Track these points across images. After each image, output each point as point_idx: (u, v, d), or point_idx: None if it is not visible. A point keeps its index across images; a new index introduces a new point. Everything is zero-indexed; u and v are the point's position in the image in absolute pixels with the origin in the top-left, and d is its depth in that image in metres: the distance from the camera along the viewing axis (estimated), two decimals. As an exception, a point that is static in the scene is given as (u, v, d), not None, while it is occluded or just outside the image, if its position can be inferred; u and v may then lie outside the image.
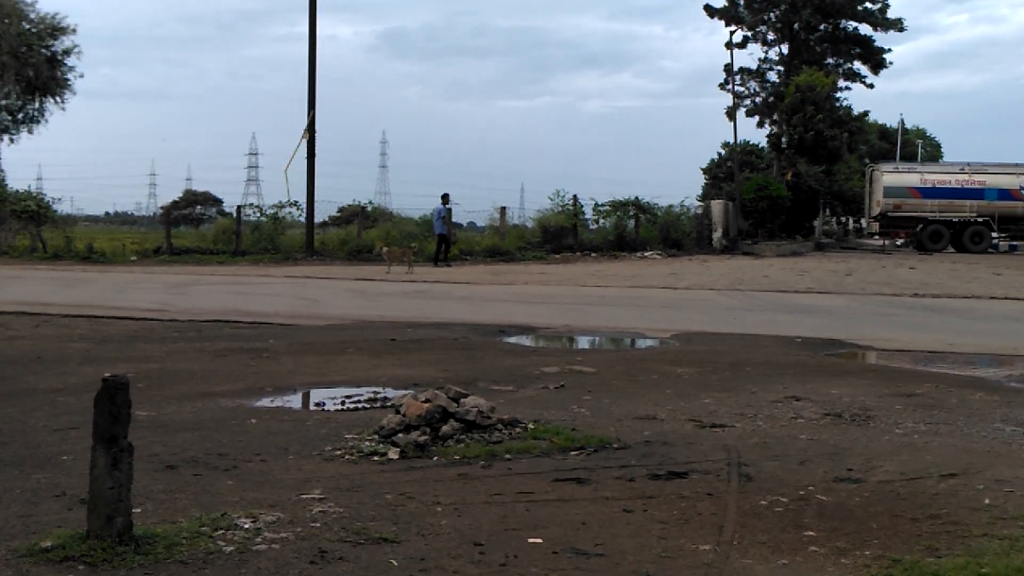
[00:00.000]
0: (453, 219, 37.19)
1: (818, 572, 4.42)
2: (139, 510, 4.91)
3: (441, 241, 31.56)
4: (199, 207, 64.62)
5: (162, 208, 57.04)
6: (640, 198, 39.41)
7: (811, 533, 4.99)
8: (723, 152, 56.30)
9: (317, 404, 8.70)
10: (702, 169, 59.65)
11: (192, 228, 47.46)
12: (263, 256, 32.48)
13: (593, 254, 35.35)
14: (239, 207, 37.13)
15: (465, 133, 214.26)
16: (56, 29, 41.58)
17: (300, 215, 34.90)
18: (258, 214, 36.95)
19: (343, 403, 8.56)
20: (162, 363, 10.59)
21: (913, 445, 7.05)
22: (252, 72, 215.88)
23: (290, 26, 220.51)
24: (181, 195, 69.92)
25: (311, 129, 32.88)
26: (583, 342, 14.25)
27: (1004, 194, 42.07)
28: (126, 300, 18.32)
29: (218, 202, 63.75)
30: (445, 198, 32.68)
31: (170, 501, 5.35)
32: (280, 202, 35.84)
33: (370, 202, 43.25)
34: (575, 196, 37.72)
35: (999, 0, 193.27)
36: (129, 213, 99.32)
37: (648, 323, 15.10)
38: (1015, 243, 44.18)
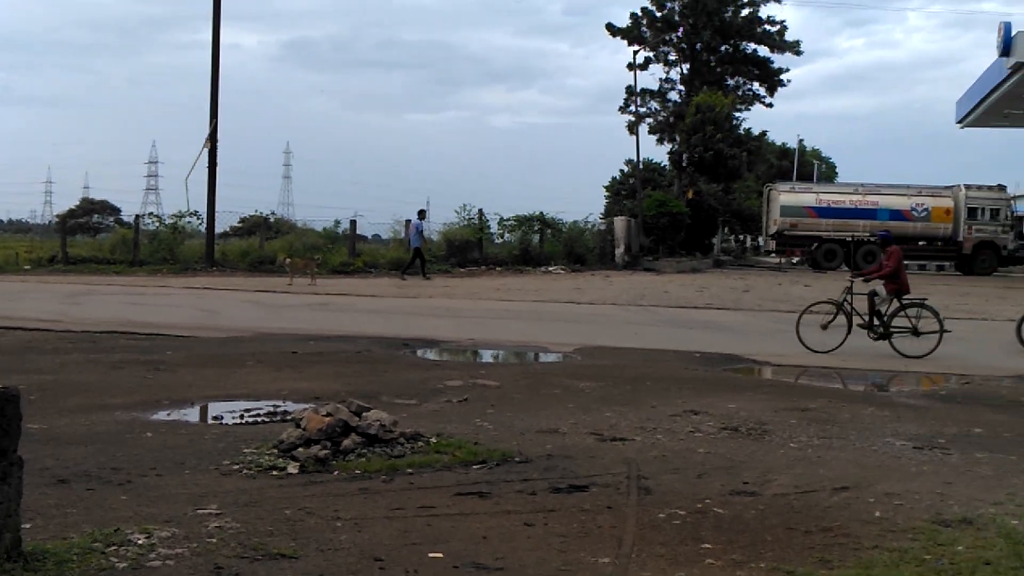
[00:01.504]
0: (358, 232, 36.98)
1: (714, 584, 4.50)
2: (29, 526, 4.76)
3: (416, 255, 31.47)
4: (97, 216, 63.14)
5: (58, 216, 55.56)
6: (545, 213, 39.69)
7: (708, 545, 5.07)
8: (626, 169, 57.01)
9: (215, 418, 8.55)
10: (605, 186, 60.30)
11: (89, 237, 46.24)
12: (162, 266, 31.82)
13: (498, 268, 35.44)
14: (137, 216, 36.37)
15: (371, 145, 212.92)
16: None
17: (200, 225, 34.29)
18: (157, 224, 36.22)
19: (242, 417, 8.43)
20: (55, 375, 10.30)
21: (807, 459, 7.23)
22: (154, 79, 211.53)
23: (193, 33, 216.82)
24: (78, 203, 68.23)
25: (213, 138, 32.34)
26: (487, 356, 14.27)
27: (896, 214, 43.38)
28: (18, 310, 17.76)
29: (116, 211, 62.42)
30: (422, 213, 33.08)
31: (61, 516, 5.21)
32: (180, 212, 35.18)
33: (273, 213, 42.85)
34: (480, 210, 37.82)
35: (894, 26, 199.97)
36: (23, 221, 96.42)
37: (551, 337, 15.19)
38: (906, 262, 45.57)
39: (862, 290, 14.99)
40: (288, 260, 28.88)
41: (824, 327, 14.79)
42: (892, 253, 15.24)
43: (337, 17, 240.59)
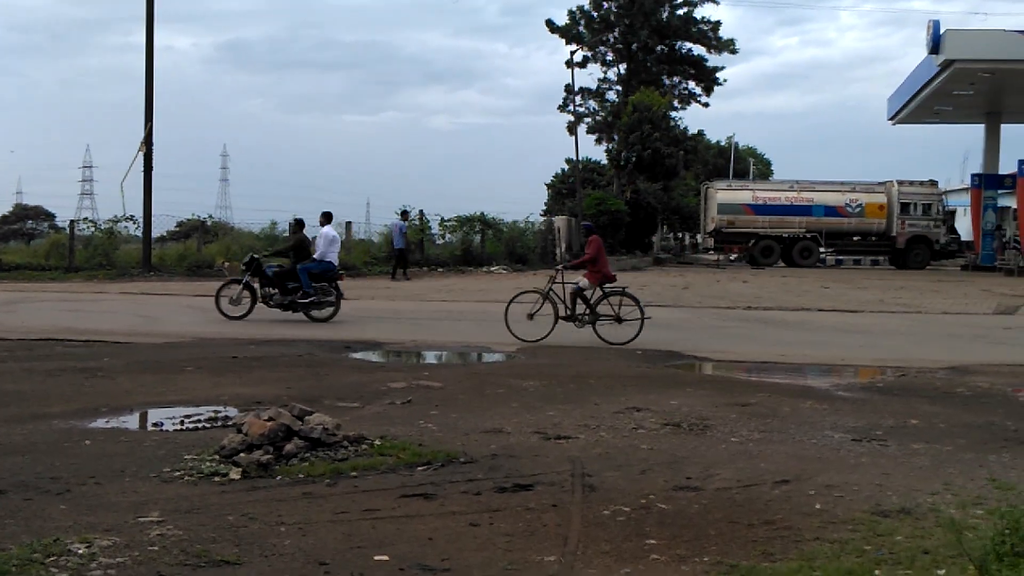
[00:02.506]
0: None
1: (659, 579, 4.53)
2: (-37, 539, 4.67)
3: (400, 256, 31.71)
4: (30, 221, 61.94)
5: (-10, 222, 54.42)
6: (486, 213, 39.74)
7: (652, 541, 5.11)
8: (566, 169, 57.26)
9: (155, 424, 8.44)
10: (546, 185, 60.54)
11: (23, 243, 45.25)
12: (98, 272, 31.28)
13: (440, 269, 35.39)
14: (72, 221, 35.67)
15: (310, 147, 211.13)
16: None
17: (137, 229, 33.69)
18: (93, 229, 35.59)
19: (182, 423, 8.33)
20: (-13, 384, 10.09)
21: (748, 453, 7.32)
22: (87, 82, 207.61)
23: (126, 36, 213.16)
24: (11, 209, 66.90)
25: (148, 141, 31.87)
26: (430, 357, 14.24)
27: (831, 211, 44.08)
28: (-53, 319, 17.36)
29: (50, 216, 61.19)
30: (404, 215, 33.57)
31: (-2, 528, 5.11)
32: (116, 216, 34.57)
33: (210, 216, 42.22)
34: (421, 211, 37.75)
35: (827, 24, 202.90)
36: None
37: (495, 337, 15.19)
38: (841, 258, 46.34)
39: (574, 280, 15.56)
40: (227, 264, 28.53)
41: (530, 316, 15.19)
42: (592, 242, 15.63)
43: (273, 18, 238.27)
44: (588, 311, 15.25)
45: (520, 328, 15.00)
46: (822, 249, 44.58)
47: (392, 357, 13.90)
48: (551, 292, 15.44)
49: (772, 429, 8.26)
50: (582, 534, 5.21)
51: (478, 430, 8.00)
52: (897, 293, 26.89)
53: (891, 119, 48.21)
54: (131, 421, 8.68)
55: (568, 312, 15.37)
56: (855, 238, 44.91)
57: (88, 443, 7.43)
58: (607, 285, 15.46)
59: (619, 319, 15.13)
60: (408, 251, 32.71)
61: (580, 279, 15.49)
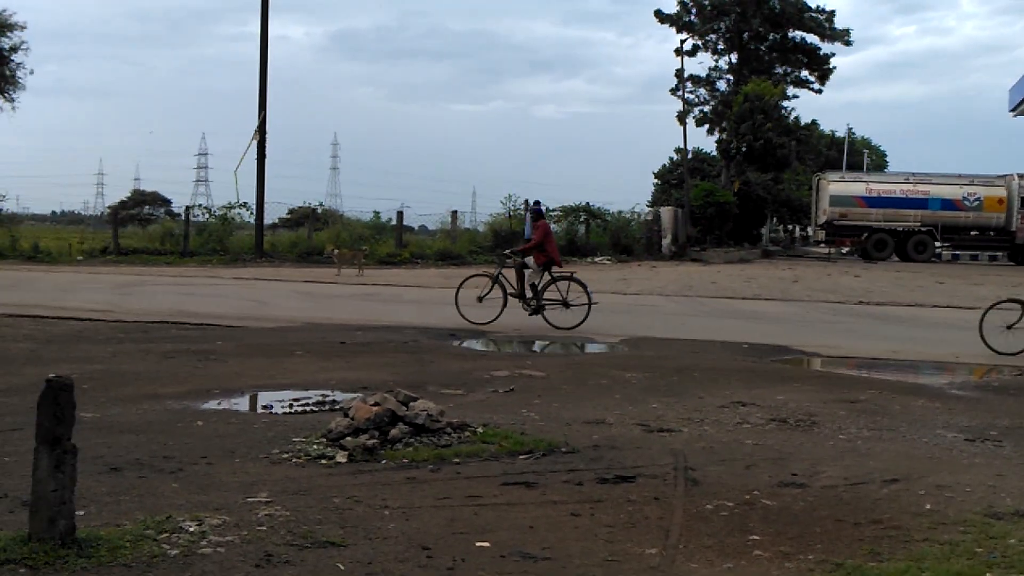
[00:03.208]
0: (404, 223, 37.13)
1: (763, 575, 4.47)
2: (82, 513, 4.85)
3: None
4: (147, 207, 63.93)
5: (109, 208, 56.38)
6: (591, 204, 39.66)
7: (756, 537, 5.04)
8: (674, 158, 56.75)
9: (264, 407, 8.64)
10: (653, 175, 60.10)
11: (140, 228, 46.74)
12: (211, 257, 32.16)
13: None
14: (187, 207, 36.73)
15: (417, 136, 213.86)
16: (4, 25, 40.91)
17: (250, 216, 34.54)
18: (207, 215, 36.57)
19: (291, 406, 8.51)
20: (107, 364, 10.46)
21: (856, 450, 7.16)
22: (202, 71, 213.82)
23: (241, 26, 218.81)
24: (129, 195, 69.15)
25: (262, 130, 32.60)
26: (533, 346, 14.28)
27: (947, 204, 42.83)
28: (72, 300, 18.05)
29: (167, 202, 63.14)
30: (534, 204, 33.73)
31: (114, 504, 5.29)
32: (229, 203, 35.47)
33: (320, 204, 43.05)
34: (527, 201, 37.75)
35: (947, 12, 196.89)
36: (76, 212, 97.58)
37: (597, 328, 15.16)
38: (958, 252, 44.98)
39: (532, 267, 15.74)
40: (336, 251, 29.08)
41: (480, 299, 15.48)
42: (539, 227, 15.88)
43: (383, 7, 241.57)
44: (534, 297, 15.51)
45: (471, 312, 15.32)
46: (938, 243, 43.33)
47: (495, 345, 13.98)
48: (500, 276, 15.66)
49: (882, 427, 8.06)
50: (684, 528, 5.17)
51: (580, 420, 7.98)
52: (1015, 290, 25.88)
53: (1012, 110, 46.36)
54: (241, 403, 8.90)
55: (517, 290, 15.66)
56: (972, 232, 43.49)
57: (200, 424, 7.64)
58: (555, 270, 15.71)
59: (566, 304, 15.38)
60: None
61: (529, 261, 15.73)
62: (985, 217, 42.89)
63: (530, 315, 15.55)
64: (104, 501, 5.32)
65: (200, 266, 30.18)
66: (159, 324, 14.70)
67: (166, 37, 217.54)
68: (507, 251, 17.31)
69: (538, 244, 15.66)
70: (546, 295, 15.59)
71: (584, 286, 15.48)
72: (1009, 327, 13.33)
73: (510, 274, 15.75)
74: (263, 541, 4.71)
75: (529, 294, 15.63)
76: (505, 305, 15.50)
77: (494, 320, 15.26)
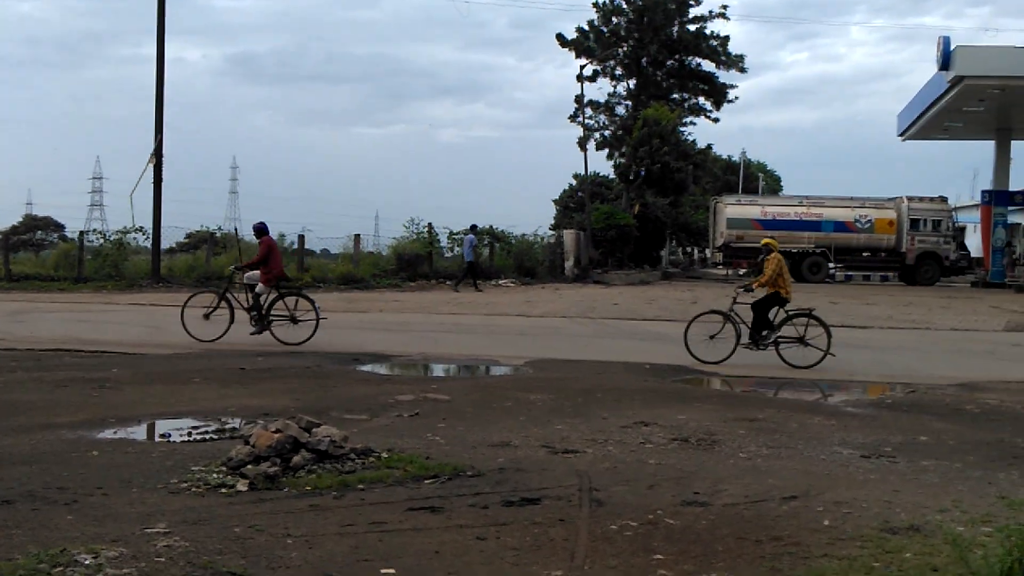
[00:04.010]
0: (306, 247, 36.76)
1: (666, 594, 4.52)
2: (-30, 549, 4.67)
3: (470, 268, 33.15)
4: (40, 232, 62.16)
5: (0, 233, 54.59)
6: (495, 227, 39.76)
7: (660, 556, 5.09)
8: (575, 183, 57.27)
9: (162, 435, 8.44)
10: (554, 200, 60.54)
11: (32, 254, 45.36)
12: (107, 283, 31.34)
13: (448, 281, 35.35)
14: (82, 232, 35.76)
15: (318, 159, 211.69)
16: None
17: (146, 241, 33.74)
18: (102, 240, 35.67)
19: (190, 434, 8.34)
20: (-4, 394, 10.11)
21: (756, 468, 7.29)
22: (96, 94, 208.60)
23: (136, 47, 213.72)
24: (21, 220, 67.08)
25: (158, 153, 31.95)
26: (438, 370, 14.24)
27: (840, 226, 44.04)
28: (-43, 328, 17.40)
29: (60, 227, 61.48)
30: (474, 228, 35.21)
31: (5, 537, 5.12)
32: (125, 228, 34.64)
33: (219, 228, 42.30)
34: (430, 224, 37.75)
35: (837, 40, 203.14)
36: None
37: (503, 350, 15.19)
38: (851, 273, 46.28)
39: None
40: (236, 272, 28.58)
41: (207, 317, 15.73)
42: (262, 243, 16.22)
43: (282, 31, 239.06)
44: (264, 313, 15.80)
45: (197, 329, 15.64)
46: (831, 264, 44.50)
47: (400, 369, 13.90)
48: (227, 294, 16.00)
49: (780, 445, 8.23)
50: (589, 549, 5.19)
51: (485, 443, 7.98)
52: (906, 309, 26.80)
53: (901, 135, 48.15)
54: (139, 432, 8.69)
55: (248, 308, 15.87)
56: (864, 254, 44.80)
57: (95, 454, 7.43)
58: (283, 287, 16.12)
59: (294, 319, 15.75)
60: (478, 264, 34.02)
61: (255, 274, 15.98)
62: (876, 238, 44.23)
63: (256, 331, 15.81)
64: (-6, 536, 5.14)
65: (95, 292, 29.40)
66: (52, 352, 14.27)
67: (57, 60, 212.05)
68: (232, 267, 17.65)
69: (262, 260, 15.94)
70: (274, 311, 15.87)
71: (312, 302, 15.90)
72: (712, 337, 14.38)
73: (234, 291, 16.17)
74: (162, 573, 4.60)
75: (256, 312, 15.90)
76: (232, 321, 15.74)
77: (221, 336, 15.52)
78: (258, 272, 15.95)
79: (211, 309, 15.82)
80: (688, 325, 14.87)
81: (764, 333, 14.63)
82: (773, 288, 14.65)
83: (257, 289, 15.82)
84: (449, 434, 8.38)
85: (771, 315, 14.70)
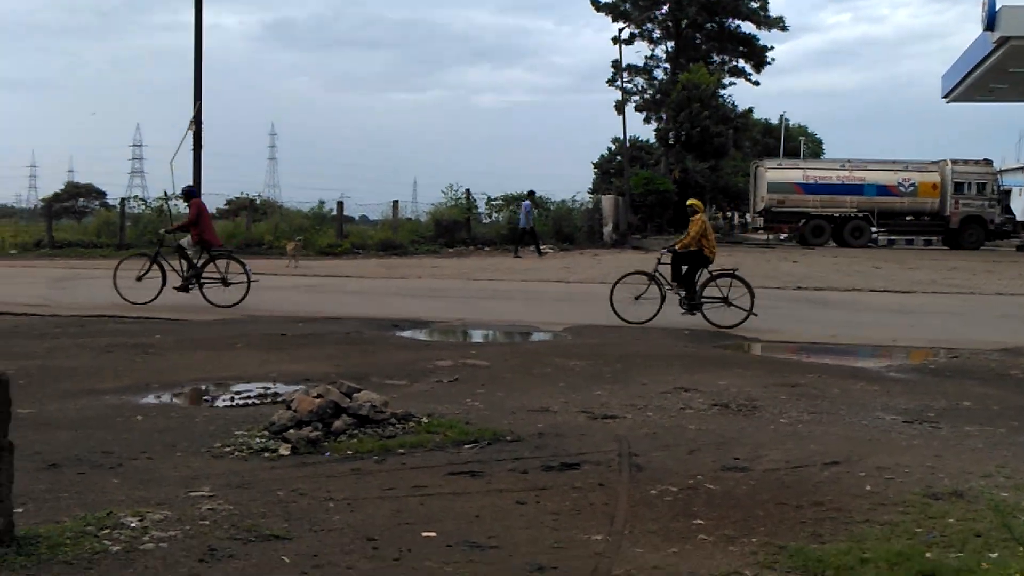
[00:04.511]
0: (345, 213, 36.90)
1: (707, 559, 4.52)
2: (21, 510, 4.75)
3: (525, 234, 33.18)
4: (82, 200, 62.85)
5: (43, 200, 55.23)
6: (533, 192, 39.66)
7: (700, 521, 5.09)
8: (613, 147, 56.96)
9: (206, 400, 8.55)
10: (593, 164, 60.29)
11: (75, 221, 45.94)
12: (148, 249, 31.66)
13: (487, 248, 35.41)
14: (123, 199, 36.19)
15: (356, 125, 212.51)
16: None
17: (186, 208, 34.02)
18: (143, 207, 36.01)
19: (232, 399, 8.43)
20: (44, 359, 10.26)
21: (798, 434, 7.26)
22: (135, 62, 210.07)
23: (173, 14, 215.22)
24: (63, 187, 67.86)
25: (197, 120, 32.03)
26: (477, 336, 14.27)
27: (883, 190, 43.50)
28: (5, 294, 17.65)
29: (102, 195, 62.14)
30: (531, 195, 35.15)
31: (54, 501, 5.20)
32: (166, 194, 34.96)
33: (259, 195, 42.60)
34: (468, 190, 37.77)
35: (880, 0, 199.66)
36: (9, 206, 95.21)
37: (541, 316, 15.20)
38: (893, 237, 45.75)
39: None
40: (291, 244, 28.70)
41: (139, 279, 16.11)
42: (192, 205, 16.75)
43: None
44: (193, 275, 16.12)
45: (129, 292, 15.92)
46: (874, 229, 43.99)
47: (439, 335, 13.95)
48: (159, 257, 16.40)
49: (822, 410, 8.18)
50: (629, 513, 5.20)
51: (524, 409, 8.00)
52: (950, 274, 26.49)
53: (945, 97, 47.24)
54: (182, 397, 8.79)
55: (184, 271, 16.26)
56: (908, 218, 44.25)
57: (140, 418, 7.53)
58: (214, 250, 16.38)
59: (225, 282, 16.06)
60: (534, 230, 33.81)
61: (185, 241, 16.33)
62: (920, 202, 43.66)
63: (180, 288, 16.16)
64: (43, 498, 5.23)
65: (137, 258, 29.68)
66: (96, 318, 14.45)
67: (96, 27, 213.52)
68: (163, 230, 18.24)
69: (192, 222, 16.29)
70: (205, 273, 16.19)
71: (243, 264, 16.18)
72: (637, 298, 14.52)
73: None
74: (206, 535, 4.66)
75: (190, 271, 16.25)
76: (164, 284, 16.06)
77: (153, 300, 15.79)
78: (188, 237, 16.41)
79: (143, 272, 16.22)
80: (613, 286, 15.02)
81: (683, 294, 14.75)
82: (697, 247, 14.70)
83: (183, 243, 16.34)
84: (488, 399, 8.40)
85: (696, 276, 14.81)
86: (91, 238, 33.91)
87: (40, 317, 14.42)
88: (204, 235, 16.24)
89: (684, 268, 14.73)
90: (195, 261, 16.18)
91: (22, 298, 16.86)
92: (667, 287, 14.68)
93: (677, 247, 14.98)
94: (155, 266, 16.21)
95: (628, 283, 14.92)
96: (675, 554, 4.59)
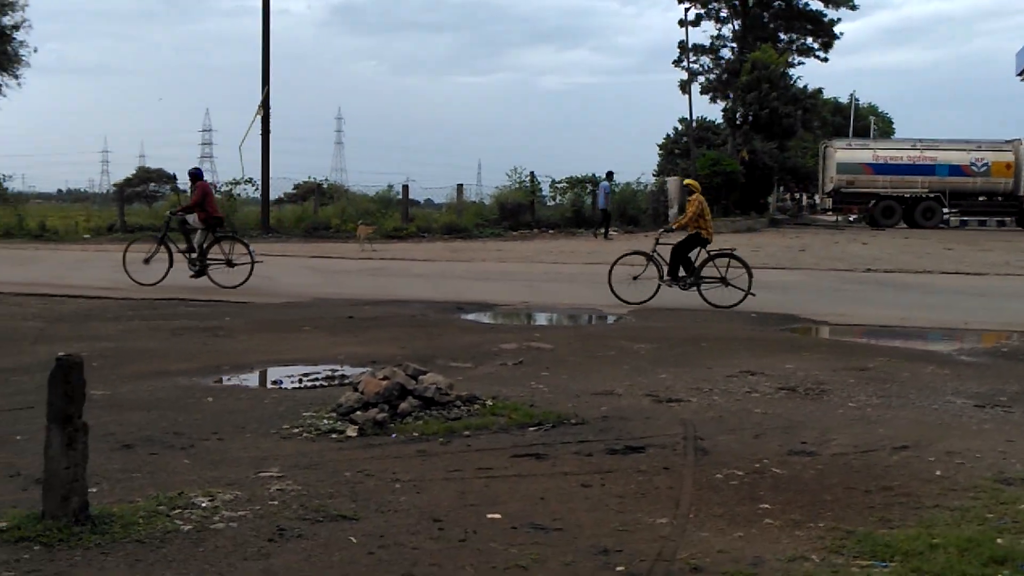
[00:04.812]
0: (410, 197, 37.09)
1: (773, 544, 4.49)
2: (95, 490, 4.87)
3: (607, 216, 33.44)
4: (153, 184, 63.84)
5: (115, 185, 56.29)
6: (597, 175, 39.46)
7: (766, 506, 5.06)
8: (679, 128, 56.45)
9: (274, 382, 8.66)
10: (658, 145, 59.81)
11: (146, 205, 46.72)
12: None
13: (551, 231, 35.32)
14: (193, 184, 36.63)
15: (420, 109, 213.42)
16: (4, 4, 40.73)
17: (255, 192, 34.45)
18: (212, 191, 36.51)
19: (300, 381, 8.53)
20: (117, 342, 10.49)
21: (866, 418, 7.16)
22: (203, 47, 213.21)
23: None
24: (134, 172, 69.06)
25: (265, 105, 32.46)
26: (541, 319, 14.28)
27: (955, 170, 42.55)
28: (80, 278, 18.07)
29: (172, 179, 62.96)
30: (610, 176, 35.19)
31: (126, 480, 5.32)
32: (235, 179, 35.42)
33: (326, 179, 42.91)
34: (532, 173, 37.63)
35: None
36: (82, 190, 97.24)
37: (605, 299, 15.14)
38: (966, 218, 44.76)
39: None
40: (363, 228, 28.94)
41: (147, 261, 16.62)
42: (197, 188, 17.01)
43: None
44: (198, 256, 16.47)
45: (138, 274, 16.43)
46: (945, 210, 43.09)
47: (503, 318, 13.99)
48: (165, 239, 16.85)
49: (891, 394, 8.06)
50: (694, 497, 5.18)
51: (589, 392, 8.00)
52: (1023, 256, 25.90)
53: (1019, 75, 46.13)
54: (251, 379, 8.93)
55: (185, 252, 16.65)
56: (980, 198, 43.25)
57: (210, 400, 7.67)
58: (219, 232, 16.76)
59: (230, 262, 16.44)
60: (609, 211, 33.92)
61: (192, 218, 16.65)
62: (993, 182, 42.63)
63: (195, 275, 16.49)
64: (116, 478, 5.35)
65: (145, 242, 30.07)
66: (167, 301, 14.72)
67: (164, 12, 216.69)
68: (169, 212, 18.65)
69: (198, 203, 16.59)
70: (210, 255, 16.52)
71: (247, 245, 16.60)
72: (635, 278, 14.70)
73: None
74: (275, 515, 4.74)
75: (195, 254, 16.61)
76: (171, 265, 16.48)
77: (161, 280, 16.24)
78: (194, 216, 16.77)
79: (151, 254, 16.69)
80: (612, 266, 15.12)
81: (683, 274, 14.80)
82: (695, 228, 14.78)
83: (190, 223, 16.70)
84: (552, 382, 8.41)
85: (692, 256, 14.85)
86: (161, 222, 34.42)
87: (113, 300, 14.72)
88: (210, 216, 16.68)
89: (683, 249, 14.89)
90: (203, 244, 16.64)
91: (96, 282, 17.22)
92: (664, 265, 14.83)
93: (674, 226, 15.33)
94: (162, 248, 16.76)
95: (626, 263, 15.10)
96: (741, 538, 4.57)
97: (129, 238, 21.49)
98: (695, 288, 14.67)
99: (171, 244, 16.78)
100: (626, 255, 15.39)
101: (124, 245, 17.87)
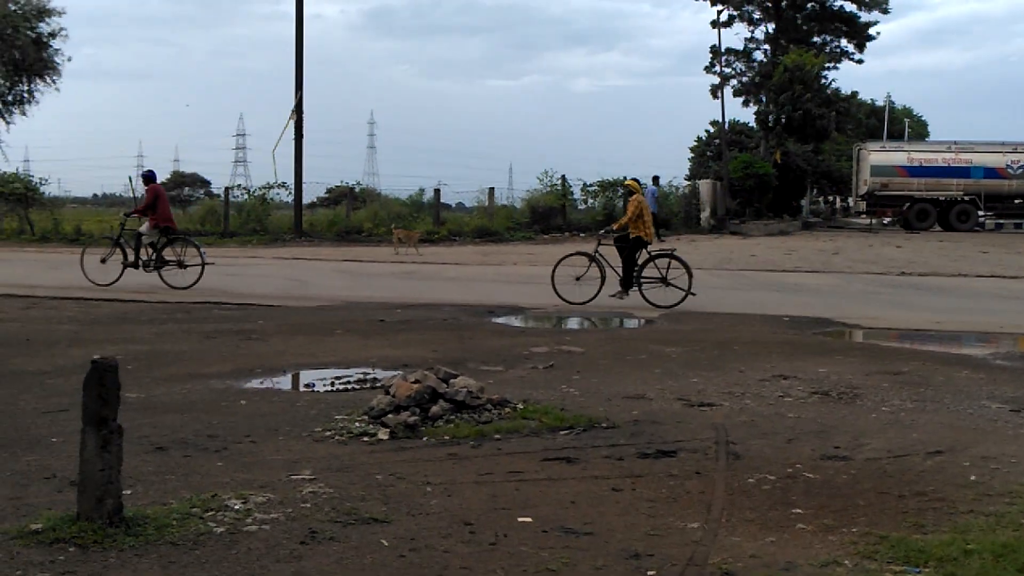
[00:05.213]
0: (442, 200, 37.17)
1: (806, 549, 4.46)
2: (129, 492, 4.92)
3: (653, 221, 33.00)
4: (187, 188, 64.31)
5: (149, 189, 56.62)
6: (657, 177, 39.36)
7: (799, 510, 5.03)
8: (711, 131, 56.21)
9: (307, 385, 8.70)
10: (690, 148, 59.58)
11: (180, 209, 47.10)
12: (251, 237, 32.37)
13: (582, 234, 35.25)
14: (227, 188, 36.96)
15: (452, 112, 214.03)
16: (42, 11, 41.18)
17: (288, 196, 34.71)
18: (246, 195, 36.80)
19: (332, 384, 8.57)
20: (151, 345, 10.58)
21: (900, 423, 7.10)
22: (237, 51, 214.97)
23: (274, 4, 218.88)
24: (169, 176, 69.52)
25: (299, 110, 32.66)
26: (572, 322, 14.26)
27: (991, 172, 42.13)
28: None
29: (206, 183, 63.54)
30: (655, 180, 35.39)
31: (160, 483, 5.36)
32: (268, 183, 35.68)
33: (358, 183, 43.15)
34: (563, 176, 37.62)
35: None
36: (117, 195, 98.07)
37: (636, 303, 15.11)
38: (1001, 221, 44.29)
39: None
40: (403, 233, 28.98)
41: (103, 261, 17.14)
42: (149, 191, 17.30)
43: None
44: (154, 257, 16.80)
45: (94, 274, 16.88)
46: (981, 212, 42.66)
47: (534, 322, 13.99)
48: (120, 241, 17.42)
49: (925, 399, 7.99)
50: (726, 502, 5.16)
51: (620, 396, 7.98)
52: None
53: (1058, 76, 45.59)
54: (284, 382, 8.97)
55: (134, 259, 16.99)
56: (1016, 201, 42.77)
57: (244, 403, 7.72)
58: (171, 234, 17.06)
59: (181, 264, 16.72)
60: (658, 215, 33.45)
61: (143, 226, 17.00)
62: (1030, 185, 42.17)
63: (148, 273, 16.95)
64: (150, 480, 5.40)
65: (240, 246, 30.40)
66: (201, 304, 14.84)
67: (199, 17, 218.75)
68: (124, 214, 19.30)
69: (149, 206, 16.98)
70: (164, 255, 16.94)
71: (198, 248, 17.00)
72: (578, 279, 14.83)
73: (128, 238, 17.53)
74: (307, 518, 4.76)
75: (145, 256, 17.02)
76: (125, 268, 17.01)
77: (116, 281, 16.72)
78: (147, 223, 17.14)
79: (107, 256, 17.23)
80: (555, 267, 15.30)
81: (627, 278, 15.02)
82: (634, 231, 14.90)
83: (141, 231, 17.08)
84: (583, 386, 8.40)
85: (636, 258, 15.04)
86: (195, 226, 34.74)
87: (147, 303, 14.86)
88: (161, 219, 17.01)
89: (629, 253, 15.04)
90: (155, 243, 17.04)
91: (130, 285, 17.36)
92: (607, 267, 14.98)
93: (614, 227, 15.48)
94: (118, 249, 17.26)
95: (568, 264, 15.21)
96: (773, 543, 4.54)
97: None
98: (636, 289, 14.91)
99: (126, 246, 17.33)
100: (569, 256, 15.60)
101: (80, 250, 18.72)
